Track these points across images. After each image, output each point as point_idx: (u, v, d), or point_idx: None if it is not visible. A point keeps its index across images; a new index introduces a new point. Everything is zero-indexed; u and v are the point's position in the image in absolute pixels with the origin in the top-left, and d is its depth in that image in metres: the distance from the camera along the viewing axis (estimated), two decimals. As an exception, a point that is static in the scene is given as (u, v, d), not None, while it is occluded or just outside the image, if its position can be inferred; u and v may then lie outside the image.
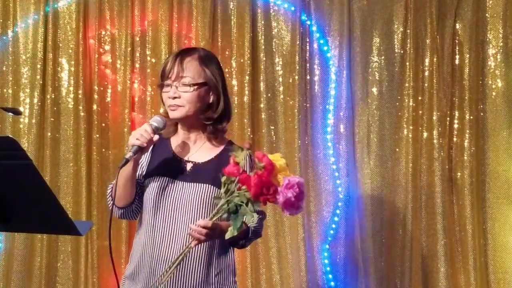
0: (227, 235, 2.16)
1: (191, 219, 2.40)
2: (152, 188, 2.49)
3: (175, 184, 2.47)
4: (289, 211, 2.14)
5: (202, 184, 2.44)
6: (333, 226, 4.13)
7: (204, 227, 2.25)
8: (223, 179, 2.17)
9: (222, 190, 2.17)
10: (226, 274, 2.49)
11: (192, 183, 2.44)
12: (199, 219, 2.37)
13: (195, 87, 2.44)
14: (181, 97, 2.44)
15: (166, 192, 2.47)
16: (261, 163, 2.10)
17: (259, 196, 2.12)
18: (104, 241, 4.00)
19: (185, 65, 2.45)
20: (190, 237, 2.29)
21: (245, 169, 2.17)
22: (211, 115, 2.49)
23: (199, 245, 2.38)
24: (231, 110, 2.58)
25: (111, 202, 2.50)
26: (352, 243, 4.12)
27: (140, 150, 2.39)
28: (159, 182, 2.48)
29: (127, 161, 2.35)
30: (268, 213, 4.05)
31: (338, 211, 4.14)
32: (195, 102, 2.45)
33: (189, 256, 2.41)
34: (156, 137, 2.42)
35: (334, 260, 4.13)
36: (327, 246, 4.13)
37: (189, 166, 2.49)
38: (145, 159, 2.56)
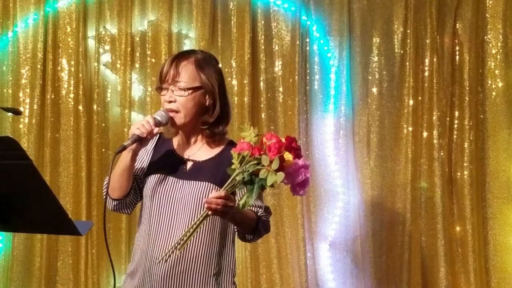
0: (241, 206, 2.14)
1: (189, 217, 2.40)
2: (152, 185, 2.49)
3: (175, 182, 2.47)
4: (301, 191, 2.13)
5: (201, 182, 2.44)
6: (333, 226, 4.13)
7: (218, 198, 2.19)
8: (234, 155, 2.14)
9: (235, 164, 2.14)
10: (225, 275, 2.49)
11: (192, 181, 2.43)
12: (196, 218, 2.37)
13: (190, 91, 2.44)
14: (176, 101, 2.44)
15: (165, 190, 2.47)
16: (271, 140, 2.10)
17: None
18: (103, 241, 3.99)
19: (181, 69, 2.45)
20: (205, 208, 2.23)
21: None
22: (207, 119, 2.48)
23: (198, 245, 2.39)
24: (229, 113, 2.56)
25: (106, 190, 2.52)
26: (352, 243, 4.12)
27: (140, 140, 2.40)
28: (158, 180, 2.49)
29: (124, 147, 2.37)
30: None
31: (338, 211, 4.13)
32: (190, 107, 2.45)
33: (187, 256, 2.41)
34: (156, 130, 2.42)
35: (334, 260, 4.12)
36: (327, 246, 4.13)
37: (189, 165, 2.50)
38: (146, 156, 2.57)
